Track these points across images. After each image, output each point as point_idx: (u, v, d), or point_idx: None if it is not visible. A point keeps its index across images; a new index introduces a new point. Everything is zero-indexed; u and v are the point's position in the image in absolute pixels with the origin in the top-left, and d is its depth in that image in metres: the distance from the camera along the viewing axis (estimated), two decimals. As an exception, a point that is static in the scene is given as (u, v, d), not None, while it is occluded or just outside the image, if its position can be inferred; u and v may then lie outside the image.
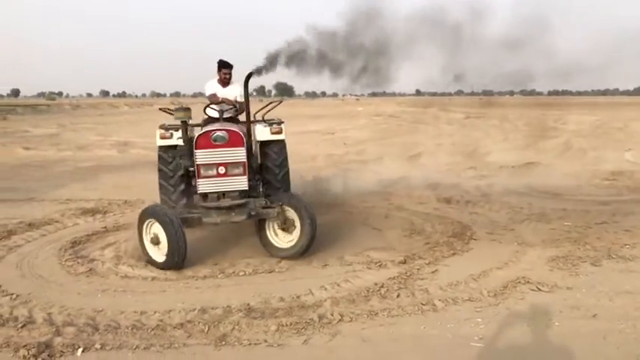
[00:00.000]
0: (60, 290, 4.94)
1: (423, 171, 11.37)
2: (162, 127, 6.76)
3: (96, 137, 21.67)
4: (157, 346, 3.84)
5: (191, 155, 5.78)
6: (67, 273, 5.40)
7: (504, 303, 4.53)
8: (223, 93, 6.79)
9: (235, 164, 5.74)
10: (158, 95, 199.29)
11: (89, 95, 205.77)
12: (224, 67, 6.75)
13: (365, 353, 3.77)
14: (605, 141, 18.83)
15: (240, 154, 5.76)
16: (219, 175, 5.70)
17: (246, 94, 6.02)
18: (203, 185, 5.72)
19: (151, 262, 5.52)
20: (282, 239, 5.85)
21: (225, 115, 6.40)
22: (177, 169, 6.30)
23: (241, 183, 5.78)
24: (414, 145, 16.93)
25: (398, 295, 4.70)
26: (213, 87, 6.84)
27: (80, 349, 3.79)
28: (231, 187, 5.78)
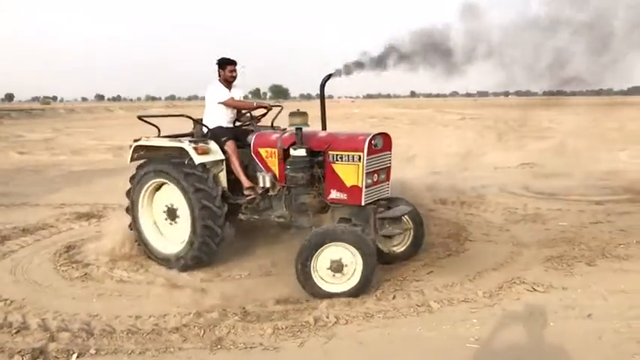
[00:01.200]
0: (54, 295, 4.93)
1: (419, 172, 11.38)
2: (182, 139, 5.73)
3: (91, 141, 21.60)
4: (152, 351, 3.83)
5: (310, 166, 5.24)
6: (62, 278, 5.38)
7: (500, 304, 4.53)
8: (232, 95, 6.00)
9: (386, 170, 5.37)
10: (153, 99, 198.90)
11: (84, 99, 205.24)
12: (230, 63, 5.90)
13: (361, 355, 3.77)
14: (599, 141, 18.89)
15: (390, 158, 5.42)
16: (375, 183, 5.18)
17: (323, 96, 5.61)
18: (367, 195, 5.09)
19: (317, 293, 4.72)
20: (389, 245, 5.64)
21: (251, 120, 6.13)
22: (217, 185, 5.47)
23: (387, 189, 5.45)
24: (409, 146, 16.93)
25: (394, 297, 4.70)
26: (223, 89, 5.88)
27: (75, 355, 3.78)
28: (382, 194, 5.36)
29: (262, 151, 5.59)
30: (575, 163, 13.23)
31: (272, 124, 6.30)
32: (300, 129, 5.21)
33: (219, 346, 3.88)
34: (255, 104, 6.09)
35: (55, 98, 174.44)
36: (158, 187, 5.84)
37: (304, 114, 5.22)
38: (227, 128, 5.93)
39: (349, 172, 5.07)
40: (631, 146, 16.38)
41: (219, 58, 5.96)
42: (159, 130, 5.87)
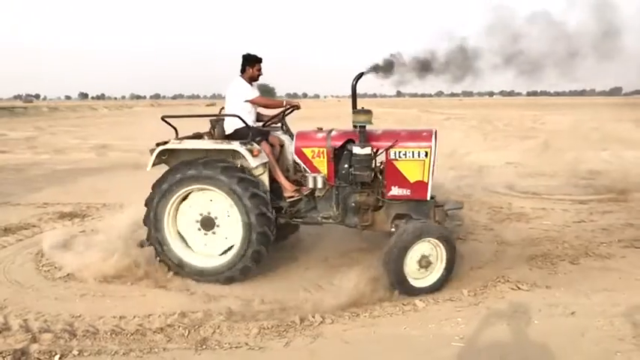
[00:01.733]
0: (36, 296, 4.85)
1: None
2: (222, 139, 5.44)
3: (74, 140, 21.37)
4: (136, 351, 3.80)
5: (369, 166, 5.12)
6: (44, 278, 5.31)
7: (484, 302, 4.56)
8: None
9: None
10: (138, 97, 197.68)
11: (67, 98, 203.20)
12: (259, 61, 5.68)
13: (347, 355, 3.77)
14: (582, 141, 19.12)
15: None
16: (432, 177, 5.19)
17: (354, 94, 5.33)
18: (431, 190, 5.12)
19: (407, 289, 4.74)
20: None
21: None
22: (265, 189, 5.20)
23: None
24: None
25: (379, 296, 4.70)
26: (250, 87, 5.62)
27: (57, 356, 3.72)
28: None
29: (307, 151, 5.34)
30: (558, 163, 13.39)
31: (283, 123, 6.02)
32: (364, 127, 5.06)
33: (204, 347, 3.86)
34: (284, 103, 5.85)
35: (37, 96, 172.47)
36: (185, 196, 5.33)
37: (369, 112, 5.06)
38: (257, 128, 5.66)
39: (414, 167, 5.08)
40: (612, 146, 16.59)
41: (247, 54, 5.68)
42: (176, 132, 5.46)
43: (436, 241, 4.77)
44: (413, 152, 5.07)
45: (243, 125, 5.38)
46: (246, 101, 5.56)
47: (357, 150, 5.12)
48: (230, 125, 5.56)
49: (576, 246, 6.07)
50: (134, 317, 4.32)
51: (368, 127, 5.12)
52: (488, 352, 3.78)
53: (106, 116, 48.27)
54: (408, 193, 5.15)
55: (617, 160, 13.84)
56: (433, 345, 3.86)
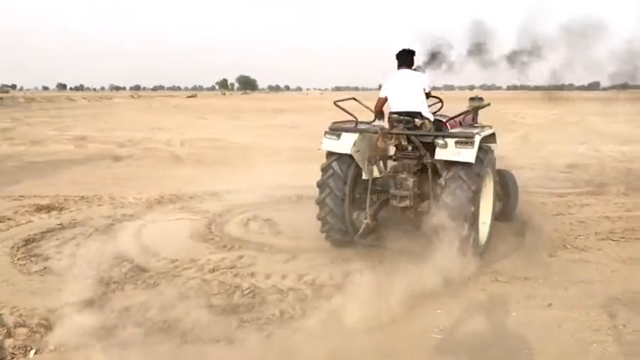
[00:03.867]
0: (11, 290, 4.76)
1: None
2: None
3: (52, 132, 21.01)
4: (114, 346, 3.74)
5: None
6: (20, 272, 5.21)
7: (465, 294, 4.60)
8: None
9: None
10: (117, 88, 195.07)
11: (45, 88, 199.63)
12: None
13: (327, 347, 3.76)
14: (561, 134, 19.36)
15: None
16: None
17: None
18: None
19: None
20: None
21: None
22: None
23: None
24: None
25: (360, 289, 4.70)
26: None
27: (33, 351, 3.67)
28: None
29: None
30: (537, 156, 13.54)
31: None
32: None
33: (183, 341, 3.82)
34: None
35: (14, 87, 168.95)
36: None
37: (481, 99, 5.74)
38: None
39: None
40: (590, 140, 16.84)
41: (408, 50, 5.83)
42: (356, 120, 5.72)
43: None
44: None
45: (435, 118, 6.00)
46: (427, 92, 5.83)
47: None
48: (428, 115, 5.78)
49: (554, 238, 6.14)
50: (112, 311, 4.27)
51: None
52: (467, 344, 3.81)
53: (85, 107, 47.54)
54: None
55: (595, 154, 14.07)
56: (412, 337, 3.88)
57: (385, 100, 5.89)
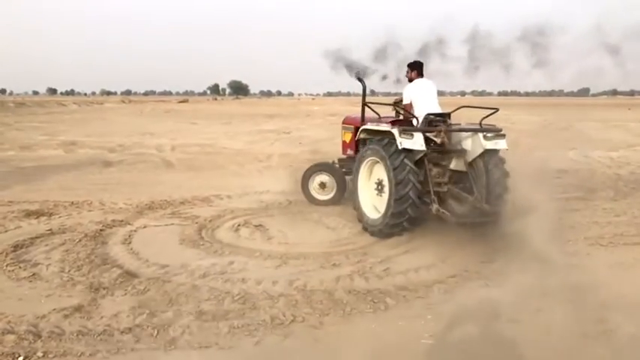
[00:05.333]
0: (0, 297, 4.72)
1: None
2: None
3: (42, 137, 20.85)
4: (103, 352, 3.72)
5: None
6: (8, 278, 5.16)
7: (454, 299, 4.61)
8: None
9: None
10: (109, 93, 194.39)
11: (35, 93, 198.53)
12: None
13: (317, 353, 3.77)
14: (551, 140, 19.51)
15: None
16: None
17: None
18: None
19: None
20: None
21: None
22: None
23: None
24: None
25: (350, 293, 4.72)
26: None
27: (21, 358, 3.63)
28: None
29: None
30: (528, 162, 13.61)
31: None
32: None
33: (173, 347, 3.81)
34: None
35: (4, 91, 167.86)
36: None
37: None
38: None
39: None
40: (579, 146, 16.97)
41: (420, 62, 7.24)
42: (379, 117, 7.52)
43: None
44: None
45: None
46: None
47: None
48: None
49: (544, 243, 6.17)
50: (101, 317, 4.24)
51: None
52: (458, 349, 3.82)
53: (76, 112, 47.25)
54: None
55: (584, 160, 14.19)
56: (403, 342, 3.89)
57: (411, 105, 6.99)
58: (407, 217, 6.20)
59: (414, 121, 6.62)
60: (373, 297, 4.65)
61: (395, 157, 6.12)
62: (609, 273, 5.31)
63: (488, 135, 6.40)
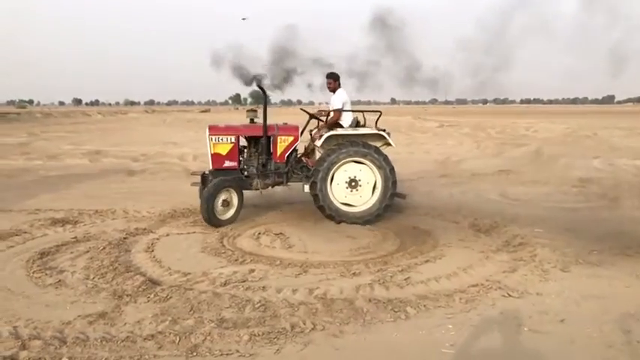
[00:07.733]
0: (27, 303, 4.82)
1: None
2: None
3: (68, 146, 21.30)
4: (126, 358, 3.77)
5: None
6: (35, 285, 5.27)
7: (475, 309, 4.57)
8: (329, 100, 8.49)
9: None
10: (132, 103, 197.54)
11: (61, 103, 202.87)
12: (326, 77, 8.39)
13: (337, 362, 3.77)
14: (574, 148, 19.26)
15: None
16: None
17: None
18: None
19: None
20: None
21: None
22: None
23: None
24: (386, 153, 17.04)
25: (370, 302, 4.72)
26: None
27: (47, 363, 3.70)
28: None
29: None
30: (550, 170, 13.48)
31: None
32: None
33: (194, 354, 3.85)
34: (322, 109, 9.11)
35: (31, 102, 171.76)
36: None
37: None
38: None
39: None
40: (603, 154, 16.72)
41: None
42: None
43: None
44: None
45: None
46: None
47: None
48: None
49: (567, 253, 6.10)
50: (125, 324, 4.31)
51: None
52: (479, 359, 3.79)
53: (100, 122, 48.16)
54: None
55: (609, 168, 13.97)
56: (423, 352, 3.87)
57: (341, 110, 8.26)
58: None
59: (344, 124, 8.16)
60: (394, 306, 4.63)
61: (384, 155, 7.81)
62: (634, 283, 5.21)
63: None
